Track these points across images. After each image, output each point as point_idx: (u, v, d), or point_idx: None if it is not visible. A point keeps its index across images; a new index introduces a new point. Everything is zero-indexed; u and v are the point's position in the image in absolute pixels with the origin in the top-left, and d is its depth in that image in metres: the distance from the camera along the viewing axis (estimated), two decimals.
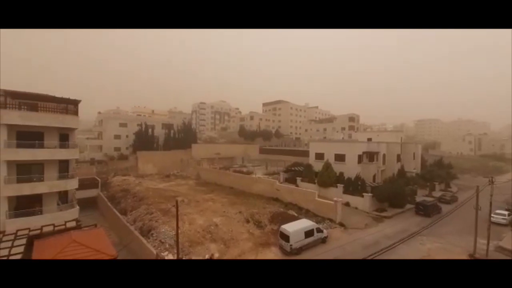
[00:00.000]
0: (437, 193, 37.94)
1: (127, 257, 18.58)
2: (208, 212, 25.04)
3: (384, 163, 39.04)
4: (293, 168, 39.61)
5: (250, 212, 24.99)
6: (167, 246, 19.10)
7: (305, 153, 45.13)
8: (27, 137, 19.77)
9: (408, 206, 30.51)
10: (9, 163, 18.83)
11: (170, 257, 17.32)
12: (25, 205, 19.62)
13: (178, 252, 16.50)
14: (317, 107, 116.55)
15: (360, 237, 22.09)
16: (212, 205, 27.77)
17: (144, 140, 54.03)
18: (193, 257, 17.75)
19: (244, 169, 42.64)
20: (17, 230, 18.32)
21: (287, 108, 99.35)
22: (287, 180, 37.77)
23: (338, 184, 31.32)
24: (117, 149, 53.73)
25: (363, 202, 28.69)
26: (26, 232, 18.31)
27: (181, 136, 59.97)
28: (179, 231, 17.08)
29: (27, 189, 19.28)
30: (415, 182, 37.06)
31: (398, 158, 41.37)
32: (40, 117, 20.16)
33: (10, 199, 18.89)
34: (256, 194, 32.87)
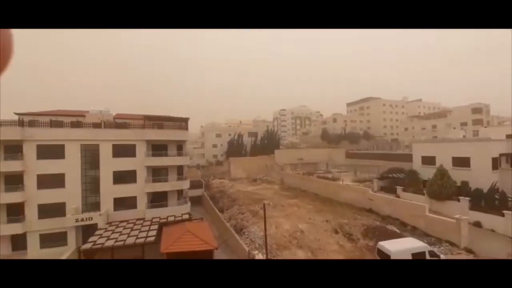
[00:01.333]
0: None
1: (225, 250, 21.20)
2: (293, 218, 25.10)
3: None
4: (390, 175, 33.89)
5: (338, 222, 23.18)
6: (257, 245, 20.46)
7: (406, 157, 37.65)
8: (157, 148, 26.55)
9: None
10: (147, 168, 25.79)
11: (260, 256, 18.40)
12: (156, 200, 26.23)
13: (267, 253, 17.33)
14: (420, 99, 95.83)
15: None
16: (297, 210, 27.64)
17: (234, 147, 61.05)
18: None
19: (329, 175, 40.21)
20: (152, 218, 24.62)
21: (378, 105, 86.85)
22: (382, 189, 32.66)
23: (461, 197, 24.14)
24: (214, 156, 63.21)
25: (504, 222, 20.74)
26: (157, 220, 24.33)
27: (265, 143, 63.70)
28: (267, 233, 17.97)
29: (158, 187, 25.77)
30: None
31: None
32: (165, 133, 26.65)
33: (148, 194, 25.74)
34: (344, 203, 30.20)
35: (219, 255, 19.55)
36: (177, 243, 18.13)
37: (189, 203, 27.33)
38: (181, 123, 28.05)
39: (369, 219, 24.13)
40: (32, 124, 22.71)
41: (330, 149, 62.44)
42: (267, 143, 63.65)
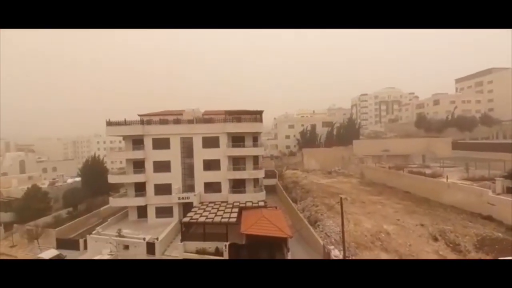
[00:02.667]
0: None
1: (299, 241, 21.43)
2: (376, 216, 22.47)
3: None
4: None
5: (439, 228, 19.13)
6: (332, 240, 19.63)
7: None
8: (236, 140, 29.26)
9: None
10: (229, 157, 28.87)
11: (337, 252, 17.60)
12: (236, 186, 29.16)
13: (345, 250, 16.39)
14: None
15: None
16: (381, 209, 24.52)
17: (307, 138, 59.55)
18: None
19: (427, 171, 33.16)
20: (234, 202, 27.61)
21: (506, 78, 63.37)
22: (510, 191, 24.30)
23: None
24: (287, 147, 63.89)
25: None
26: (238, 204, 27.09)
27: (341, 133, 58.87)
28: (344, 230, 16.89)
29: (238, 175, 28.60)
30: None
31: None
32: (243, 126, 29.01)
33: (229, 181, 28.94)
34: (448, 205, 24.48)
35: (293, 244, 19.99)
36: (254, 226, 19.73)
37: (264, 191, 29.03)
38: (256, 115, 29.66)
39: (487, 229, 18.69)
40: (148, 122, 29.53)
41: (429, 139, 51.24)
42: (343, 133, 58.65)
